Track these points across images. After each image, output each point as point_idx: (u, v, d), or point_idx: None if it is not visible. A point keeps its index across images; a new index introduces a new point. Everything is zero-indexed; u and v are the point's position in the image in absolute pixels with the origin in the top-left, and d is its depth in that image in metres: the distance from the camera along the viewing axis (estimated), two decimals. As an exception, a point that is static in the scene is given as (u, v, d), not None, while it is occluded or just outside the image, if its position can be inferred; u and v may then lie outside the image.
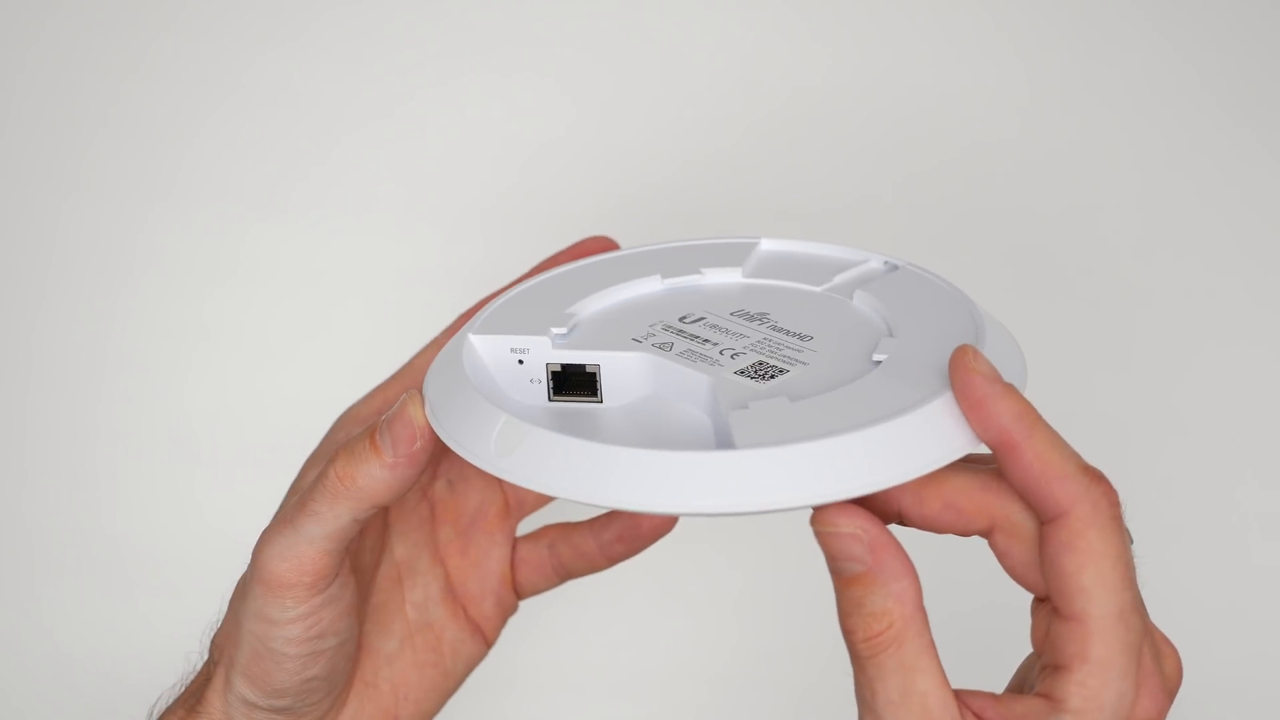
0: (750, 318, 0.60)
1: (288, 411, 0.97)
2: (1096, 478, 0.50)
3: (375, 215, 0.97)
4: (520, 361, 0.58)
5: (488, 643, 0.71)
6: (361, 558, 0.68)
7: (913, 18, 0.95)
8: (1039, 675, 0.52)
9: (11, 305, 0.98)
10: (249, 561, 0.62)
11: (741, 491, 0.49)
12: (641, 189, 0.96)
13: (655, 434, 0.55)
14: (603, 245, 0.69)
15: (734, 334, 0.59)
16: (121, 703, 0.82)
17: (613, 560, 0.71)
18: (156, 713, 0.66)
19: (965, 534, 0.53)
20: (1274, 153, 0.94)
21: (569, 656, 0.97)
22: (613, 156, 0.96)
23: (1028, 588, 0.52)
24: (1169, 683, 0.52)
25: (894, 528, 0.52)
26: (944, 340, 0.55)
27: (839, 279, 0.62)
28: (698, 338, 0.58)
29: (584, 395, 0.58)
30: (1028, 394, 0.52)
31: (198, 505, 0.98)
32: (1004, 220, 0.95)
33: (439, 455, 0.68)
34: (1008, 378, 0.52)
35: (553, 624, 0.96)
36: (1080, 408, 0.94)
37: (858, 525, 0.50)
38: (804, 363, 0.57)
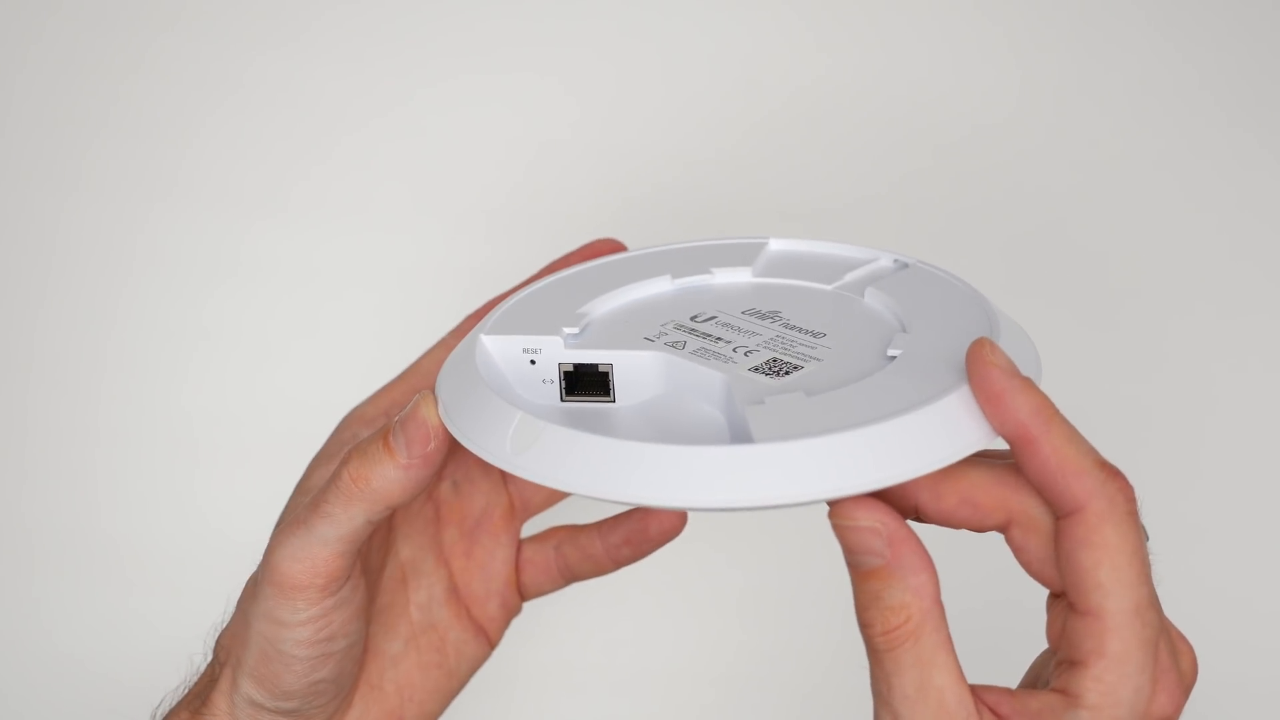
0: (762, 316, 0.60)
1: (288, 412, 0.96)
2: (1113, 473, 0.50)
3: (376, 216, 0.97)
4: (532, 362, 0.58)
5: (491, 644, 0.71)
6: (368, 559, 0.68)
7: (912, 18, 0.95)
8: (1054, 671, 0.52)
9: (12, 305, 0.97)
10: (260, 563, 0.61)
11: (761, 485, 0.49)
12: (642, 189, 0.96)
13: (670, 431, 0.55)
14: (611, 247, 0.69)
15: (746, 332, 0.59)
16: (121, 703, 0.82)
17: (619, 563, 0.71)
18: (160, 714, 0.66)
19: (981, 529, 0.53)
20: (1274, 153, 0.95)
21: (571, 656, 0.97)
22: (613, 158, 0.96)
23: (1044, 583, 0.52)
24: (1185, 679, 0.52)
25: (910, 524, 0.52)
26: (958, 335, 0.55)
27: (849, 277, 0.62)
28: (710, 336, 0.58)
29: (597, 395, 0.58)
30: (1042, 389, 0.52)
31: (198, 505, 0.97)
32: (1005, 218, 0.95)
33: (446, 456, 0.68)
34: (1023, 373, 0.52)
35: (555, 623, 0.96)
36: (1080, 408, 0.94)
37: (876, 519, 0.50)
38: (818, 359, 0.57)
